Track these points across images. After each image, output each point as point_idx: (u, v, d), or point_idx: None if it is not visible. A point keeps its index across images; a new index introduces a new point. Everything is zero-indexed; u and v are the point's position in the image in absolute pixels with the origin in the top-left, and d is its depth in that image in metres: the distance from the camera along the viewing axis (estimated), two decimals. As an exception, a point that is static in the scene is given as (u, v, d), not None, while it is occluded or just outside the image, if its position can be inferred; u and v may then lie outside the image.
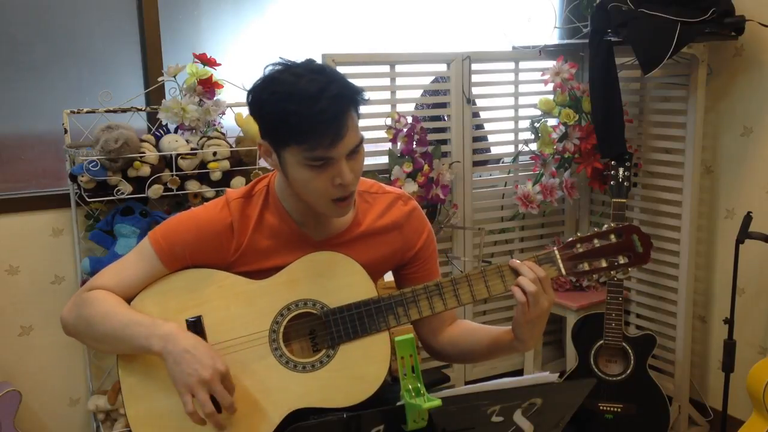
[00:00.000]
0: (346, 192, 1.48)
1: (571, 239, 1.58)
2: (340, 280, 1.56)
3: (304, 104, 1.38)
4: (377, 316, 1.54)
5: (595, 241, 1.57)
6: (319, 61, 1.50)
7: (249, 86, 1.49)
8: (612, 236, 1.58)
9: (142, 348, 1.47)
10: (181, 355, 1.42)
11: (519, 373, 3.25)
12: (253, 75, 1.49)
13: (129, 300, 1.55)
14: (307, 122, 1.39)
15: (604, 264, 1.58)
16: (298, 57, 1.50)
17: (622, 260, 1.58)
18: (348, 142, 1.43)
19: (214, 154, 2.47)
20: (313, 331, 1.59)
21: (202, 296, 1.54)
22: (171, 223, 1.59)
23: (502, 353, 1.66)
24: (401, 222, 1.67)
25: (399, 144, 2.78)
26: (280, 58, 1.48)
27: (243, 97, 2.58)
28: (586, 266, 1.57)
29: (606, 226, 1.61)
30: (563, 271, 1.56)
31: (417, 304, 1.56)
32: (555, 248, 1.57)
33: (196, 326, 1.50)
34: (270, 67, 1.47)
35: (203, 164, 2.48)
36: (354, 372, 1.53)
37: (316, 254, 1.58)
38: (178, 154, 2.42)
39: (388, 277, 1.79)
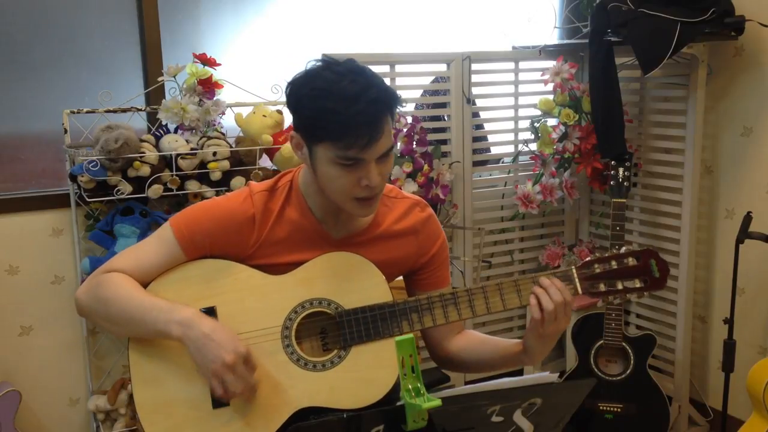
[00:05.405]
0: (370, 193, 1.50)
1: (589, 259, 1.59)
2: (357, 282, 1.57)
3: (343, 104, 1.40)
4: (391, 320, 1.55)
5: (613, 262, 1.59)
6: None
7: (289, 79, 1.50)
8: (630, 259, 1.59)
9: (160, 333, 1.47)
10: (201, 340, 1.43)
11: (519, 373, 3.25)
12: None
13: (145, 285, 1.55)
14: (344, 122, 1.40)
15: (620, 286, 1.59)
16: (340, 56, 1.52)
17: (638, 284, 1.59)
18: (381, 146, 1.45)
19: (214, 154, 2.47)
20: (324, 331, 1.59)
21: (218, 287, 1.55)
22: (193, 212, 1.59)
23: (508, 366, 1.67)
24: (418, 227, 1.68)
25: (399, 144, 2.78)
26: (323, 55, 1.49)
27: (243, 97, 2.63)
28: (602, 287, 1.59)
29: (624, 248, 1.62)
30: (579, 291, 1.57)
31: (432, 311, 1.56)
32: (573, 267, 1.58)
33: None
34: (312, 63, 1.49)
35: (203, 164, 2.48)
36: (364, 375, 1.52)
37: (335, 254, 1.58)
38: (178, 154, 2.42)
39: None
